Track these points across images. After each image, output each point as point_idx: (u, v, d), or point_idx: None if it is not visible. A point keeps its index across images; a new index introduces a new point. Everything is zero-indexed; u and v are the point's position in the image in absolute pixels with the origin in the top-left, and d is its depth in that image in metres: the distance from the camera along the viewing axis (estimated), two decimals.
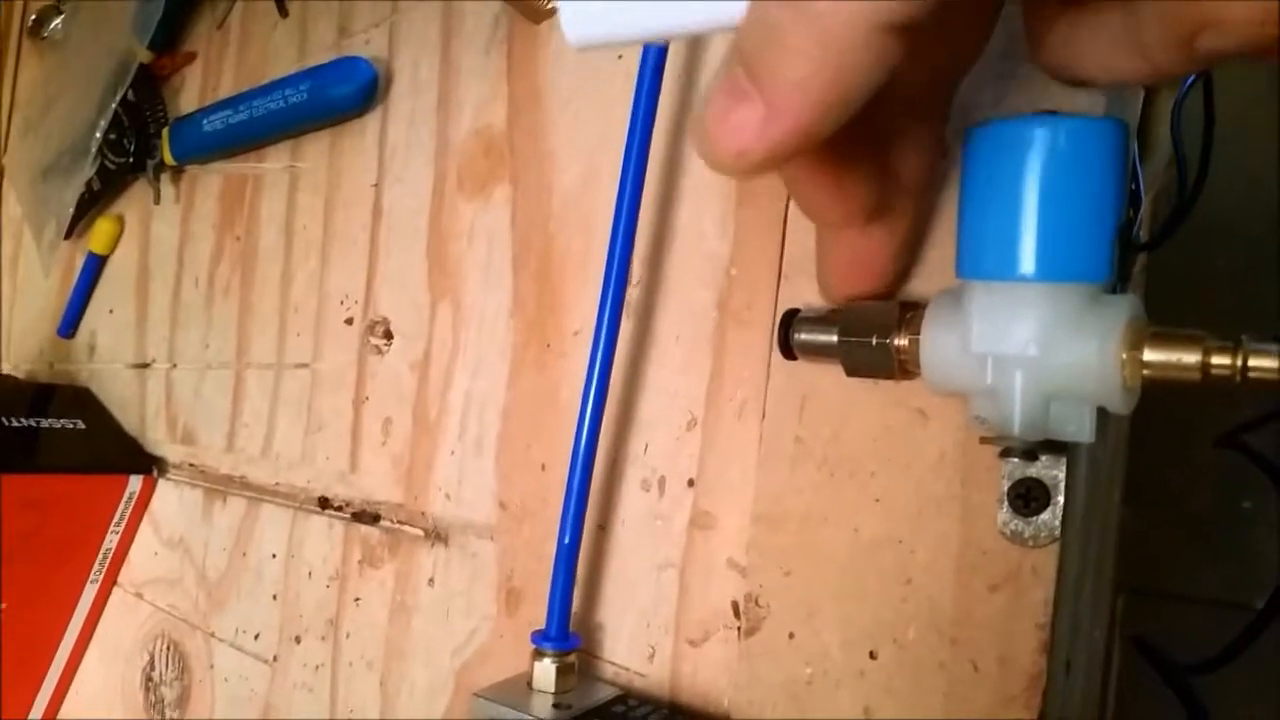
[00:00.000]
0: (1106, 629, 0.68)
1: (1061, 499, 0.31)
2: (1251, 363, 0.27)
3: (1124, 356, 0.27)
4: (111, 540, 0.67)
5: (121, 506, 0.66)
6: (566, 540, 0.39)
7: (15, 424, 0.63)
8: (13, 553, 0.61)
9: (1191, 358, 0.27)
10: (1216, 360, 0.27)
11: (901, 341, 0.32)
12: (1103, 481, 0.40)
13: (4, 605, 0.63)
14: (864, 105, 0.22)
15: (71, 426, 0.67)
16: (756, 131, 0.22)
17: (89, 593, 0.68)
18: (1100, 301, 0.28)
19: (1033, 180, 0.28)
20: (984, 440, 0.31)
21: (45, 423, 0.66)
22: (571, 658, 0.39)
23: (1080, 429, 0.29)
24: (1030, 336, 0.28)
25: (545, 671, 0.39)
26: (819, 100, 0.21)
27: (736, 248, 0.40)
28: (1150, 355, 0.28)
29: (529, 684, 0.39)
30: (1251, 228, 0.87)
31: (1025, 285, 0.28)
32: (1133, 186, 0.37)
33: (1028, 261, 0.28)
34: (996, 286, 0.29)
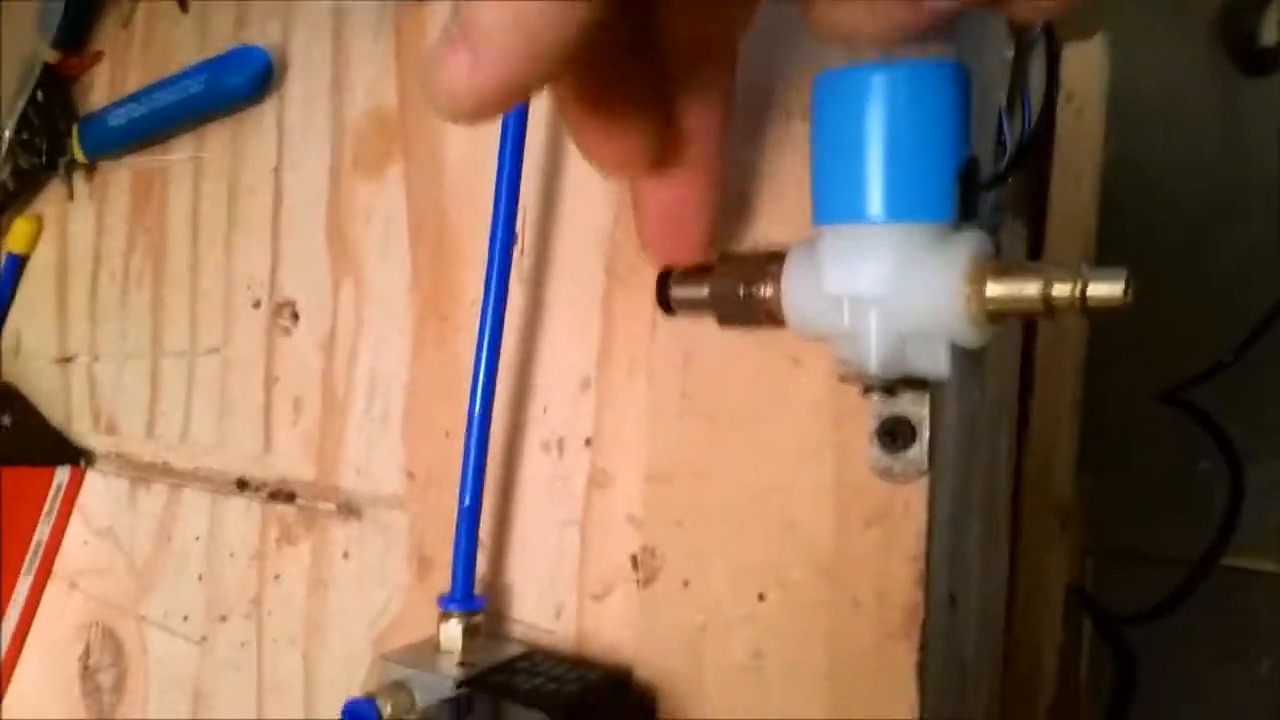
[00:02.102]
0: (1062, 591, 0.70)
1: (927, 434, 0.32)
2: (1090, 291, 0.28)
3: (968, 291, 0.28)
4: (42, 532, 0.67)
5: (50, 498, 0.67)
6: (467, 503, 0.40)
7: None
8: None
9: (1032, 289, 0.28)
10: (1057, 290, 0.28)
11: (767, 291, 0.33)
12: (985, 421, 0.41)
13: None
14: (576, 56, 0.23)
15: None
16: (465, 79, 0.23)
17: (23, 585, 0.68)
18: (946, 240, 0.29)
19: (875, 125, 0.29)
20: (844, 379, 0.32)
21: None
22: (478, 618, 0.40)
23: (936, 364, 0.30)
24: (880, 275, 0.29)
25: (451, 632, 0.39)
26: (514, 53, 0.23)
27: (621, 210, 0.41)
28: (993, 289, 0.29)
29: (436, 646, 0.40)
30: (1192, 203, 0.89)
31: (873, 227, 0.29)
32: (1000, 135, 0.38)
33: (874, 204, 0.29)
34: (847, 230, 0.30)
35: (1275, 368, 0.79)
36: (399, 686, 0.37)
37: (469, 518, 0.40)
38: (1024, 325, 0.59)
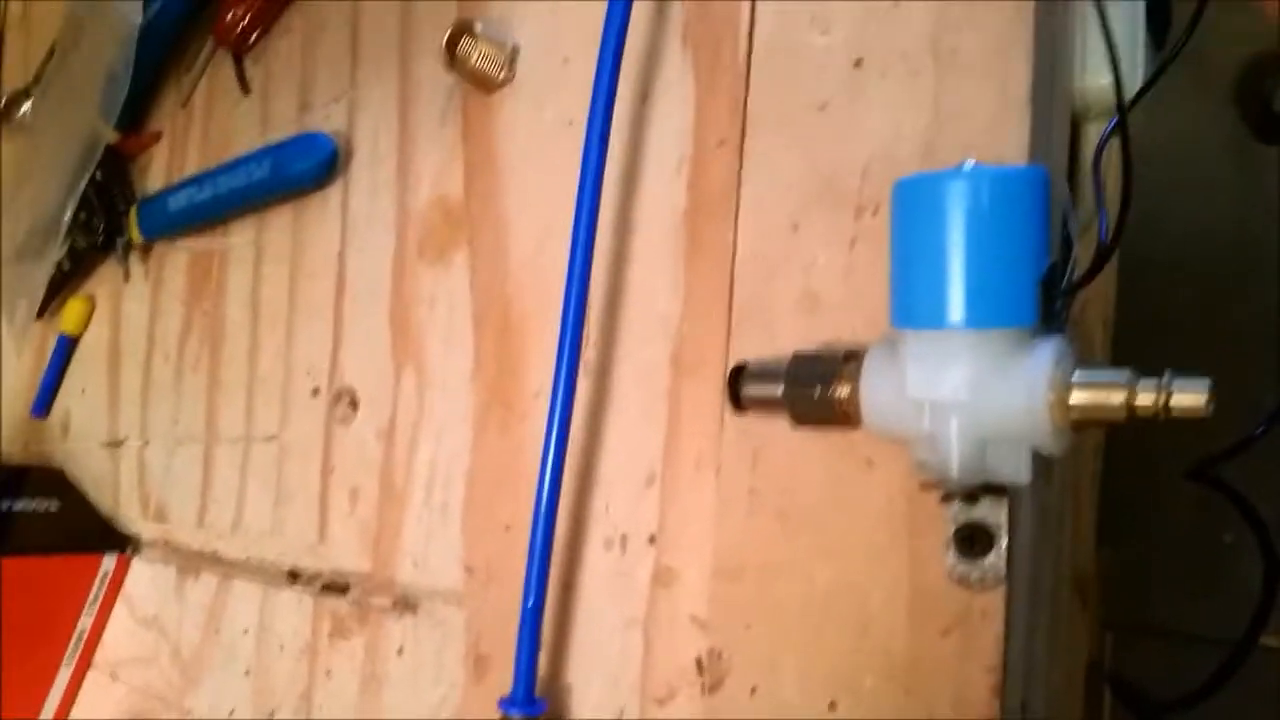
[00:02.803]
0: (1083, 669, 0.68)
1: (1005, 541, 0.32)
2: (1174, 402, 0.27)
3: (1051, 399, 0.28)
4: (86, 621, 0.67)
5: (96, 587, 0.66)
6: (530, 603, 0.40)
7: None
8: None
9: (1117, 398, 0.28)
10: (1141, 400, 0.28)
11: (843, 391, 0.33)
12: (1051, 523, 0.41)
13: None
14: None
15: (45, 508, 0.67)
16: None
17: (63, 675, 0.67)
18: (1028, 346, 0.29)
19: (956, 231, 0.29)
20: (925, 486, 0.31)
21: (19, 504, 0.66)
22: None
23: (1017, 471, 0.30)
24: (962, 382, 0.29)
25: None
26: None
27: (687, 304, 0.41)
28: (1078, 398, 0.28)
29: None
30: (1210, 258, 0.88)
31: (955, 333, 0.29)
32: (1065, 232, 0.38)
33: (956, 310, 0.29)
34: (928, 335, 0.30)
35: None
36: None
37: (532, 618, 0.39)
38: None
